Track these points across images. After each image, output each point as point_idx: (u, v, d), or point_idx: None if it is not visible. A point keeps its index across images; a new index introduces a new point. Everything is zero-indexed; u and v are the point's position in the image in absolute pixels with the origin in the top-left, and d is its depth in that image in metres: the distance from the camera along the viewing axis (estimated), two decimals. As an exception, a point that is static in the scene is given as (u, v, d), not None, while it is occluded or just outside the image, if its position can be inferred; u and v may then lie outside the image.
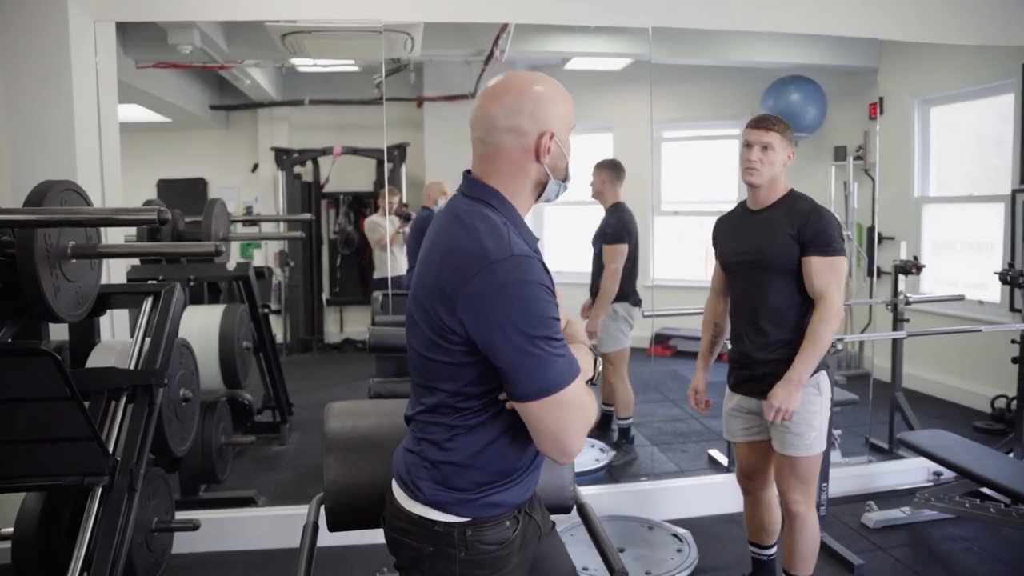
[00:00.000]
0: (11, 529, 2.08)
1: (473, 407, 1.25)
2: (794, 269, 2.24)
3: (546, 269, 1.21)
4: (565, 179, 1.32)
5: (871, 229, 4.78)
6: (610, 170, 4.10)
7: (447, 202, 1.32)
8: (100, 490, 1.91)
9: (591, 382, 1.31)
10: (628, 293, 4.04)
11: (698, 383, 2.57)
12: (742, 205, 2.44)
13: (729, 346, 2.50)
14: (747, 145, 2.28)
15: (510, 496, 1.31)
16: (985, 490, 3.00)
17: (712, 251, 2.53)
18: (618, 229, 3.99)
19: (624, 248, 3.97)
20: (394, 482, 1.37)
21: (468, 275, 1.15)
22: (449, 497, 1.28)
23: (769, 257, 2.27)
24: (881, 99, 4.69)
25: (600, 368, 1.34)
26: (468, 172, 1.31)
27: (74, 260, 2.03)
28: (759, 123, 2.27)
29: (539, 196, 1.32)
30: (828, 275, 2.20)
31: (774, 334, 2.29)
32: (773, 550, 2.56)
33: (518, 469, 1.32)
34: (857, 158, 5.19)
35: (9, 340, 1.98)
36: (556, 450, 1.21)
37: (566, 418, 1.18)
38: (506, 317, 1.13)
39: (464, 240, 1.19)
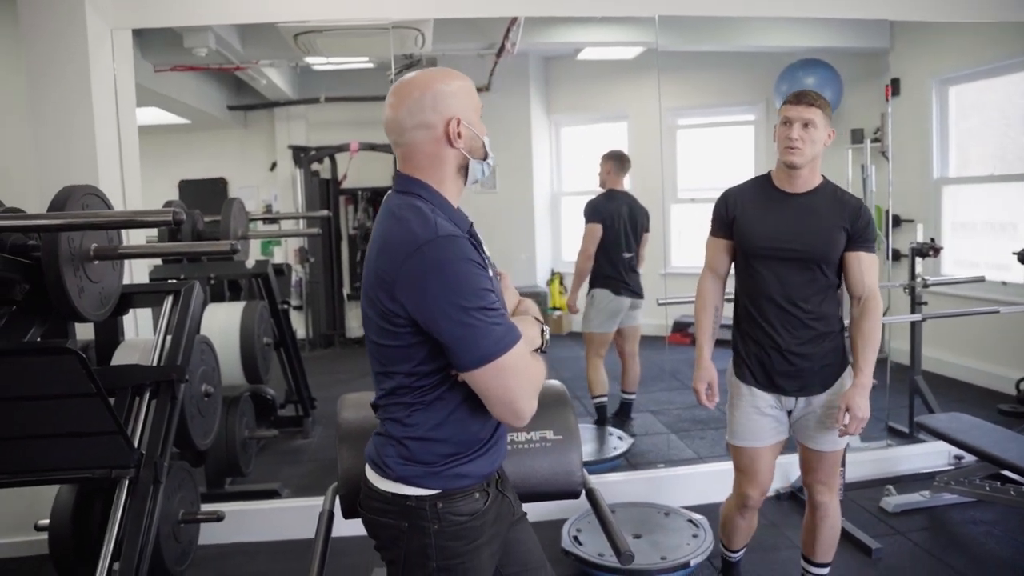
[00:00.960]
0: (47, 521, 2.17)
1: (428, 384, 1.32)
2: (836, 262, 2.16)
3: (476, 247, 1.29)
4: (485, 157, 1.39)
5: (888, 212, 4.74)
6: (614, 161, 4.15)
7: (384, 200, 1.40)
8: (127, 482, 1.98)
9: (540, 351, 1.39)
10: (605, 279, 4.05)
11: (710, 374, 2.29)
12: (766, 182, 2.24)
13: (731, 336, 2.34)
14: (786, 123, 2.11)
15: (477, 467, 1.38)
16: (1007, 473, 2.98)
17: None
18: (592, 210, 4.05)
19: (594, 228, 4.00)
20: (367, 466, 1.43)
21: (401, 259, 1.24)
22: (417, 471, 1.34)
23: (821, 250, 2.13)
24: (895, 80, 4.63)
25: (547, 338, 1.40)
26: (397, 171, 1.39)
27: (97, 262, 2.09)
28: (799, 98, 2.10)
29: (466, 179, 1.39)
30: (874, 272, 2.15)
31: (817, 328, 2.16)
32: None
33: (481, 439, 1.38)
34: (874, 140, 5.13)
35: (38, 340, 2.05)
36: (509, 414, 1.29)
37: (511, 383, 1.26)
38: (439, 293, 1.21)
39: (396, 230, 1.27)
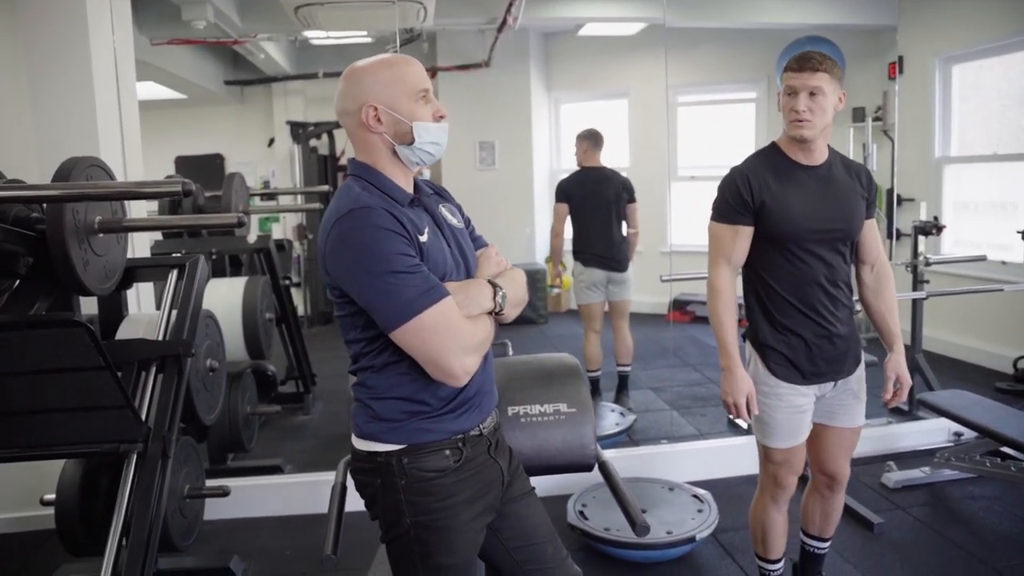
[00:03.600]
0: (53, 496, 2.17)
1: (375, 348, 1.38)
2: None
3: (398, 218, 1.31)
4: (411, 143, 1.38)
5: (890, 191, 4.74)
6: (587, 139, 4.22)
7: None
8: (135, 457, 1.97)
9: (494, 314, 1.41)
10: (577, 253, 4.21)
11: (748, 383, 2.01)
12: (776, 155, 2.02)
13: (767, 331, 2.06)
14: (791, 93, 1.92)
15: (443, 424, 1.40)
16: (1006, 449, 3.00)
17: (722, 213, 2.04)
18: (558, 190, 4.21)
19: (559, 207, 4.18)
20: (351, 432, 1.47)
21: (325, 234, 1.32)
22: (381, 427, 1.39)
23: (856, 225, 2.01)
24: (900, 58, 4.61)
25: (500, 300, 1.40)
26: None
27: (101, 235, 2.07)
28: (803, 63, 1.89)
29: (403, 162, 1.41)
30: (880, 237, 2.11)
31: (849, 304, 2.06)
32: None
33: (444, 398, 1.39)
34: (876, 119, 5.12)
35: (43, 313, 2.03)
36: (438, 371, 1.31)
37: (432, 340, 1.29)
38: (352, 261, 1.28)
39: (328, 209, 1.36)
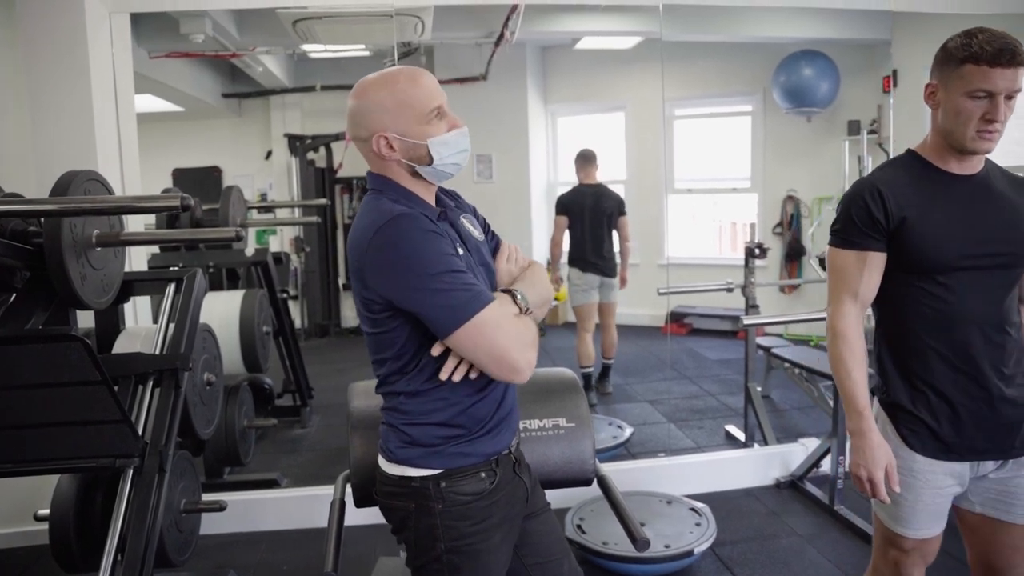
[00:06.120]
0: (47, 511, 2.15)
1: (412, 371, 1.34)
2: None
3: (435, 222, 1.30)
4: (430, 163, 1.35)
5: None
6: (580, 160, 4.70)
7: None
8: (132, 472, 1.96)
9: (524, 313, 1.36)
10: (573, 260, 4.70)
11: (887, 454, 1.56)
12: (917, 163, 1.60)
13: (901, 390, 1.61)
14: (983, 96, 1.45)
15: (481, 446, 1.38)
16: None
17: (857, 233, 1.58)
18: (558, 204, 4.70)
19: (559, 219, 4.65)
20: (379, 454, 1.45)
21: (364, 247, 1.27)
22: (418, 452, 1.36)
23: None
24: (895, 72, 4.63)
25: (520, 302, 1.36)
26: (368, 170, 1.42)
27: (99, 248, 2.07)
28: (1002, 55, 1.42)
29: (425, 179, 1.38)
30: None
31: (1021, 358, 1.59)
32: None
33: (481, 419, 1.38)
34: (871, 132, 5.15)
35: (40, 327, 2.02)
36: (505, 369, 1.28)
37: (495, 336, 1.26)
38: (403, 267, 1.25)
39: (359, 224, 1.33)
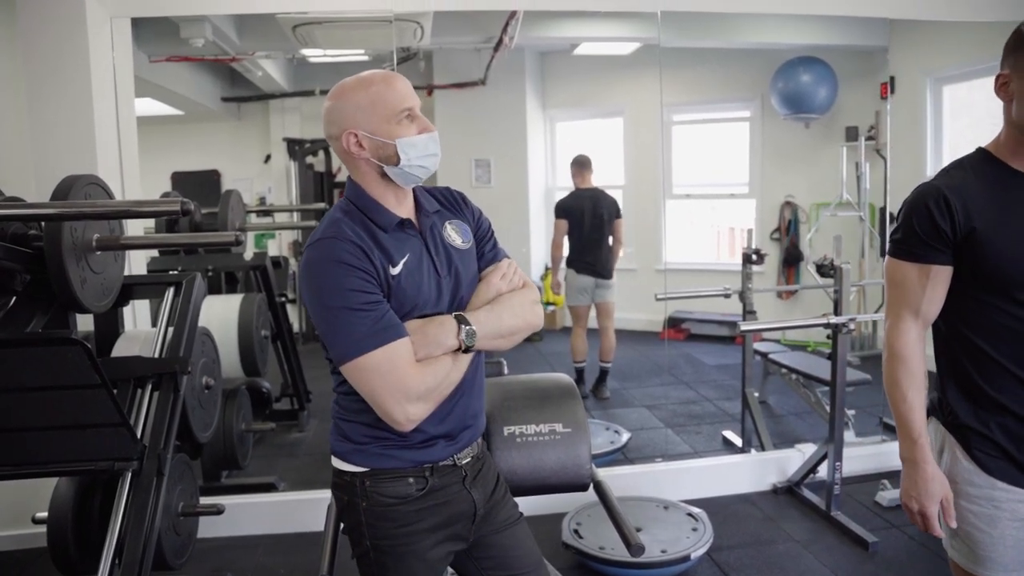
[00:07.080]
0: (45, 514, 2.15)
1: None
2: None
3: (365, 251, 1.28)
4: (398, 164, 1.34)
5: (883, 209, 4.78)
6: (576, 165, 4.87)
7: None
8: (130, 475, 1.97)
9: (461, 351, 1.33)
10: (570, 261, 4.86)
11: (944, 486, 1.43)
12: (989, 164, 1.45)
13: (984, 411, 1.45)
14: None
15: (408, 453, 1.38)
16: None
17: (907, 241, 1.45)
18: (557, 208, 4.87)
19: (559, 223, 4.81)
20: None
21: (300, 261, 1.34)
22: (348, 447, 1.41)
23: None
24: (892, 78, 4.66)
25: (465, 338, 1.31)
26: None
27: (99, 252, 2.08)
28: None
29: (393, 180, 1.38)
30: None
31: None
32: None
33: (403, 433, 1.33)
34: (869, 138, 5.17)
35: (39, 331, 2.03)
36: (383, 415, 1.29)
37: (373, 383, 1.27)
38: (307, 292, 1.30)
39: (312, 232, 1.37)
